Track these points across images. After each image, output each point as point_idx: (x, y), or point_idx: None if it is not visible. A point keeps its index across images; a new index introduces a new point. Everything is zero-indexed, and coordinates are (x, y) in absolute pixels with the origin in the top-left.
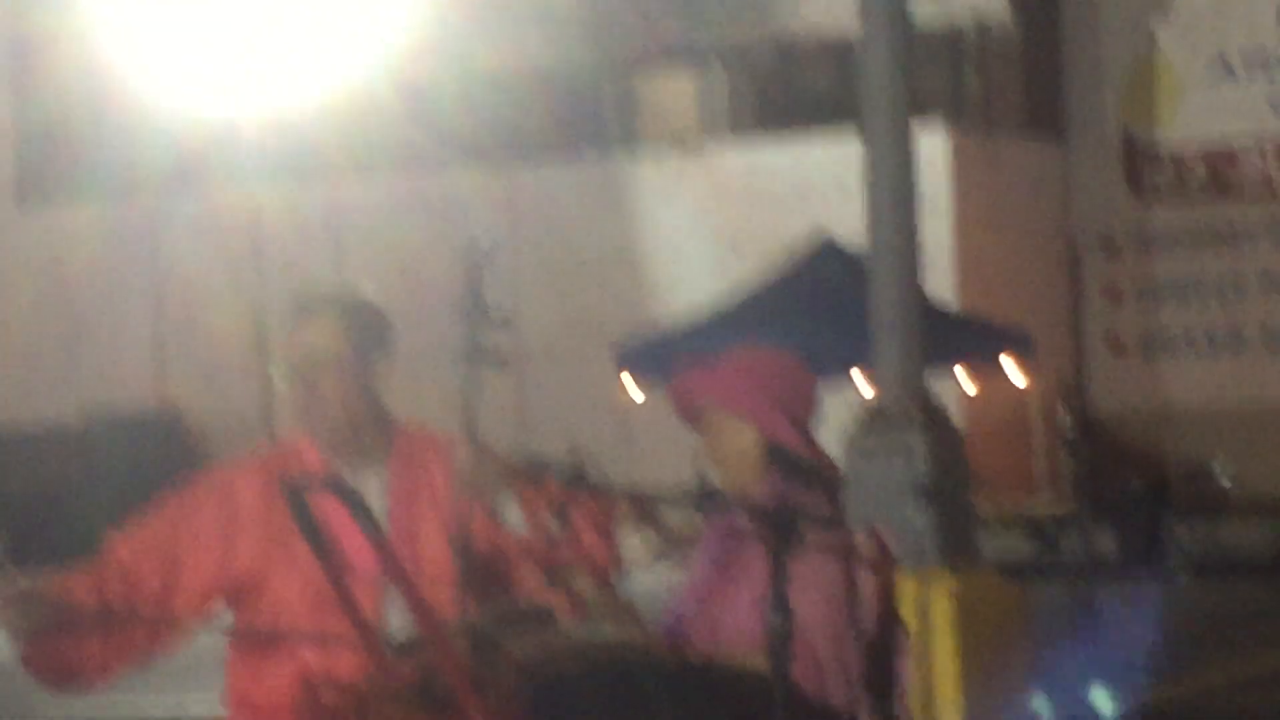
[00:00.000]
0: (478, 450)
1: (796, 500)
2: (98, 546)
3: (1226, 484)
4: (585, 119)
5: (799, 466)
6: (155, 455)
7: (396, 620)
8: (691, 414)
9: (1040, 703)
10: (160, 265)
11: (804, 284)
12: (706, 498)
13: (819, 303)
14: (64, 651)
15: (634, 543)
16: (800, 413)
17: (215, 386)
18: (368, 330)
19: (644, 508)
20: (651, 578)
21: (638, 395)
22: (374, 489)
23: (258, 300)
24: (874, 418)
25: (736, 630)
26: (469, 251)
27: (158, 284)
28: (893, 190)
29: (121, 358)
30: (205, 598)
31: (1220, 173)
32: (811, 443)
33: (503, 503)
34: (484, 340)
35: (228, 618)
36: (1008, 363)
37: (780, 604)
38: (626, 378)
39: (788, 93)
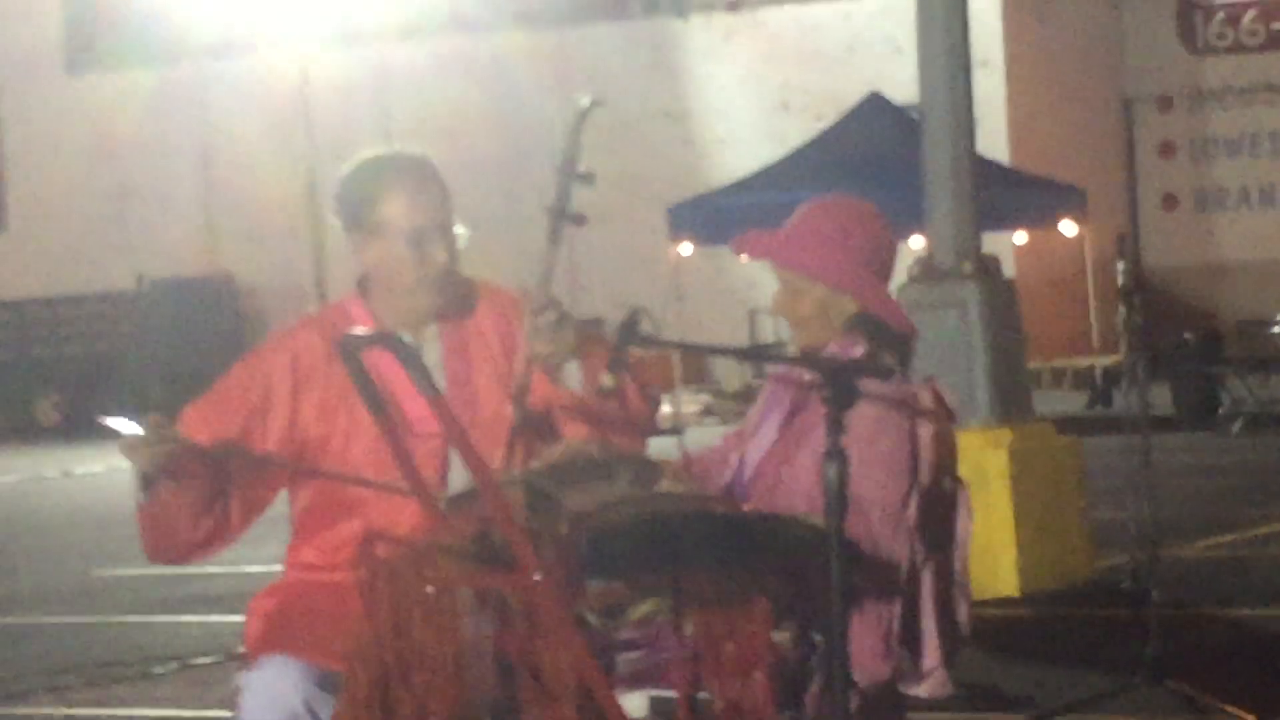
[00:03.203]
0: (556, 306)
1: (861, 354)
2: (151, 408)
3: None
4: None
5: (884, 330)
6: (207, 317)
7: (459, 480)
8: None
9: None
10: (208, 129)
11: (852, 140)
12: (759, 352)
13: (868, 159)
14: (172, 516)
15: (685, 397)
16: (883, 264)
17: (265, 249)
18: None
19: (697, 362)
20: (702, 433)
21: (688, 254)
22: (428, 342)
23: (307, 163)
24: (926, 271)
25: (795, 490)
26: (571, 107)
27: (206, 148)
28: (945, 46)
29: (171, 222)
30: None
31: (1273, 24)
32: (889, 299)
33: (566, 359)
34: (572, 197)
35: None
36: (1062, 221)
37: (836, 455)
38: (678, 238)
39: None
